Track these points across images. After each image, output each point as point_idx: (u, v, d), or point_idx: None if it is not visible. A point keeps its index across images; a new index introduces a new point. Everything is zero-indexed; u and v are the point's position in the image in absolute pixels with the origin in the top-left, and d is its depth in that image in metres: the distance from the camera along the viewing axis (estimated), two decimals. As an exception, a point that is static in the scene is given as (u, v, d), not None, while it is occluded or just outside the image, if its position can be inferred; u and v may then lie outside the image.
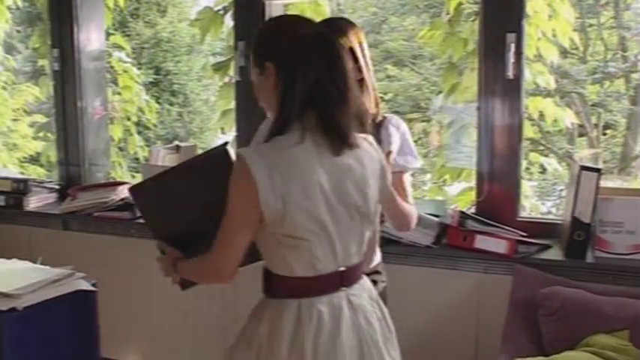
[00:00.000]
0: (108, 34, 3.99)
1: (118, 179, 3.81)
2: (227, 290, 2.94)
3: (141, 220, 3.24)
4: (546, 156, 4.02)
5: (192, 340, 3.23)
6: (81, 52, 3.70)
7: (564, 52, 5.06)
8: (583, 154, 5.46)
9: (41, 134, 4.79)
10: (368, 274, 1.78)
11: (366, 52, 1.99)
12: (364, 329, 1.63)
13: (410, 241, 2.64)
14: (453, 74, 3.17)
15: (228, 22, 3.37)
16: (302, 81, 1.53)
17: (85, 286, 1.64)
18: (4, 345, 1.45)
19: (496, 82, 2.70)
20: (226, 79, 3.53)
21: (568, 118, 3.21)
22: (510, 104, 2.69)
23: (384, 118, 2.06)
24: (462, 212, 2.71)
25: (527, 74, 2.86)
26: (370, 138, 1.69)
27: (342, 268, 1.61)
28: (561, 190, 5.08)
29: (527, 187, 3.18)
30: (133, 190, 1.85)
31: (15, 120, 4.85)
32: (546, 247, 2.60)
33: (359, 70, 1.93)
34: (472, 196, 2.90)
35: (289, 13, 3.23)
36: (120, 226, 3.34)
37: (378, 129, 1.98)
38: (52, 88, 3.78)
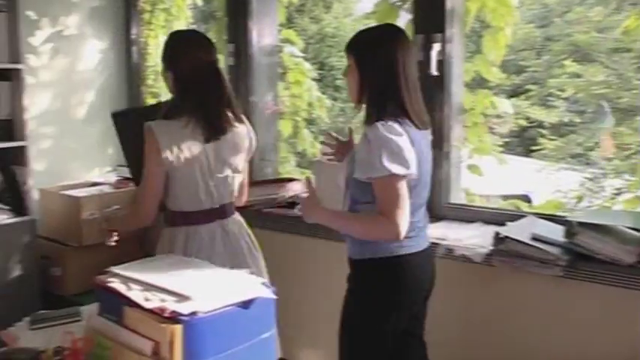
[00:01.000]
0: (279, 30, 3.98)
1: (287, 175, 3.78)
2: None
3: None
4: None
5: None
6: (255, 48, 3.71)
7: None
8: None
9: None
10: None
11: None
12: (232, 246, 2.43)
13: (609, 258, 2.34)
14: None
15: (405, 15, 3.19)
16: None
17: (266, 293, 1.54)
18: (184, 349, 1.38)
19: None
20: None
21: None
22: None
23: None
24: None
25: None
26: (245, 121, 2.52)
27: (217, 206, 2.41)
28: None
29: None
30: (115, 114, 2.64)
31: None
32: None
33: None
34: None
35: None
36: (288, 222, 3.30)
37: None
38: (227, 83, 3.82)
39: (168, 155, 2.25)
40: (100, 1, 4.23)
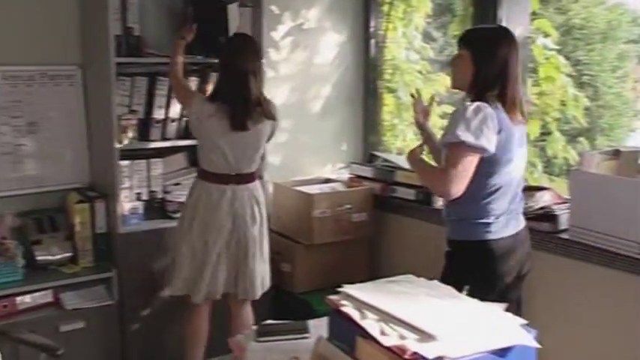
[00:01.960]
0: (531, 19, 3.56)
1: (533, 183, 3.37)
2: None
3: (564, 236, 2.77)
4: None
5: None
6: (503, 39, 3.34)
7: None
8: None
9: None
10: None
11: None
12: (236, 208, 2.97)
13: None
14: None
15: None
16: None
17: (527, 340, 1.22)
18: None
19: None
20: None
21: None
22: None
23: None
24: None
25: None
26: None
27: (233, 174, 2.97)
28: None
29: None
30: None
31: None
32: None
33: None
34: None
35: None
36: (538, 239, 2.90)
37: None
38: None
39: (194, 121, 3.01)
40: (340, -7, 4.14)
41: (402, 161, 3.79)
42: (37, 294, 3.09)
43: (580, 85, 9.43)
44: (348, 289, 1.47)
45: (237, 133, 2.94)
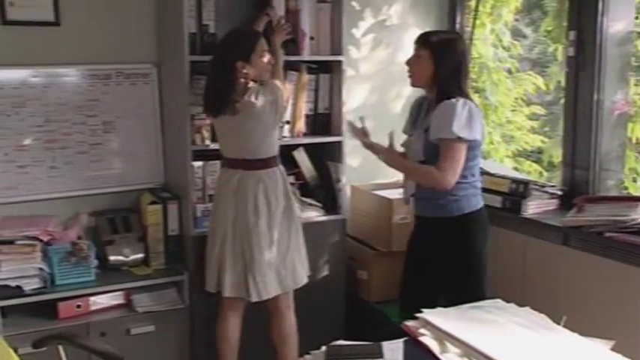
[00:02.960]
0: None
1: (634, 192, 3.08)
2: None
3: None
4: None
5: None
6: (604, 35, 3.07)
7: None
8: None
9: (540, 127, 4.34)
10: None
11: None
12: (240, 193, 2.91)
13: None
14: None
15: None
16: None
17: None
18: None
19: None
20: None
21: None
22: None
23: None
24: None
25: None
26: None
27: (239, 158, 2.93)
28: None
29: None
30: None
31: (513, 110, 4.48)
32: None
33: None
34: None
35: None
36: (636, 253, 2.63)
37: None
38: (564, 77, 3.25)
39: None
40: (424, -12, 3.94)
41: (488, 165, 3.56)
42: (109, 295, 3.06)
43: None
44: (428, 315, 1.29)
45: (224, 117, 2.87)
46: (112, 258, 3.13)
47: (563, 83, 3.29)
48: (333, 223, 3.41)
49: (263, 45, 2.89)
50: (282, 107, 2.96)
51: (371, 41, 3.85)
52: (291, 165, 3.34)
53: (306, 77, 3.34)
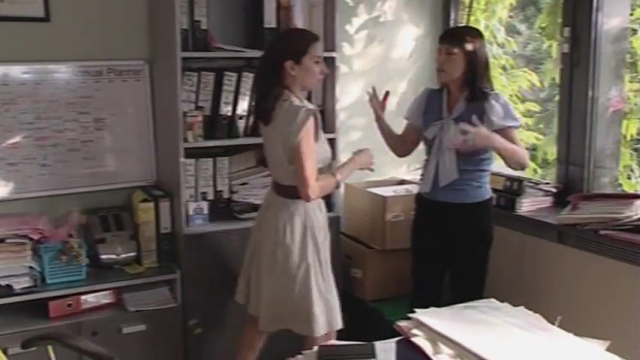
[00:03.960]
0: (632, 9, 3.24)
1: (629, 189, 3.07)
2: None
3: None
4: None
5: None
6: (598, 31, 3.05)
7: None
8: None
9: (534, 124, 4.33)
10: None
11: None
12: (265, 217, 2.77)
13: None
14: None
15: None
16: None
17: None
18: None
19: None
20: None
21: None
22: None
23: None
24: None
25: None
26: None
27: (274, 180, 2.79)
28: None
29: None
30: None
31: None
32: None
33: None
34: None
35: None
36: (632, 251, 2.62)
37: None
38: (559, 74, 3.23)
39: None
40: (418, -16, 3.91)
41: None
42: (100, 294, 3.02)
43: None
44: (421, 315, 1.27)
45: (263, 129, 2.75)
46: (103, 256, 3.10)
47: (557, 80, 3.27)
48: (328, 221, 3.38)
49: (318, 49, 2.67)
50: (289, 149, 2.59)
51: (365, 38, 3.83)
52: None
53: (299, 74, 3.30)
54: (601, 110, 3.09)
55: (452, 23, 3.97)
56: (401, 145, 3.15)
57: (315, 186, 2.56)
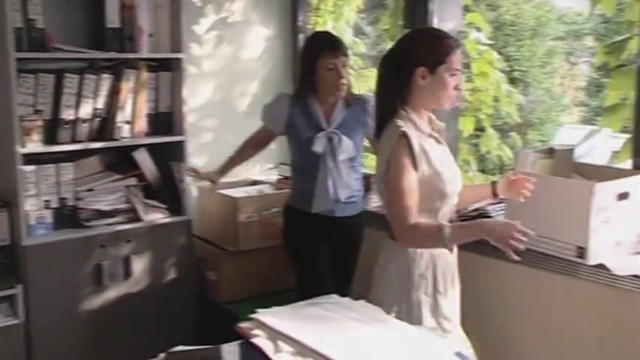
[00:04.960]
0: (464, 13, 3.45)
1: (469, 182, 3.25)
2: None
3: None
4: None
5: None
6: (436, 33, 3.21)
7: None
8: None
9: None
10: None
11: None
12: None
13: None
14: None
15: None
16: None
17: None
18: None
19: None
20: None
21: None
22: None
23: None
24: None
25: None
26: None
27: None
28: None
29: None
30: None
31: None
32: None
33: None
34: None
35: None
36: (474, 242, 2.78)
37: None
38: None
39: None
40: (266, -15, 3.93)
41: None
42: None
43: (511, 80, 9.58)
44: (261, 315, 1.28)
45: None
46: None
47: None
48: (178, 224, 3.32)
49: (458, 59, 2.11)
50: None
51: (214, 38, 3.79)
52: (132, 167, 3.22)
53: (145, 75, 3.22)
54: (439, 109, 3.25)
55: (300, 24, 4.03)
56: (250, 152, 3.15)
57: (409, 231, 1.96)
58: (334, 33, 3.27)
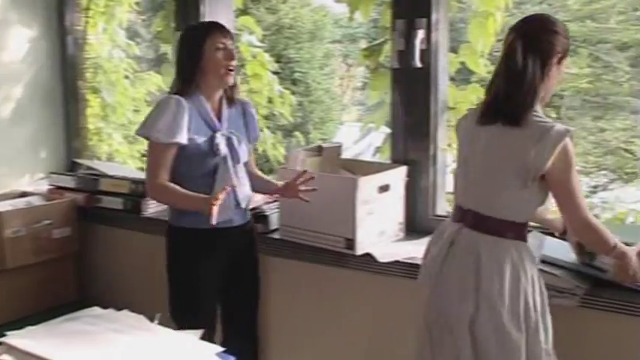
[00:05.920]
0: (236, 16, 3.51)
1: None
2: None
3: (275, 235, 2.73)
4: None
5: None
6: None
7: None
8: None
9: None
10: None
11: None
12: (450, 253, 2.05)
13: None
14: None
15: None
16: None
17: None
18: None
19: None
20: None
21: None
22: None
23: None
24: None
25: None
26: None
27: (465, 207, 2.05)
28: None
29: None
30: None
31: (136, 111, 4.47)
32: None
33: None
34: None
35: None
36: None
37: None
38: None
39: None
40: (25, -19, 3.67)
41: (109, 168, 3.50)
42: None
43: (292, 81, 9.91)
44: (10, 338, 1.20)
45: (490, 128, 2.02)
46: None
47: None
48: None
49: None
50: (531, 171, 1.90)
51: (-32, 39, 3.48)
52: None
53: None
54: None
55: (68, 25, 3.83)
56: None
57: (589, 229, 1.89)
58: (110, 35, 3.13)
